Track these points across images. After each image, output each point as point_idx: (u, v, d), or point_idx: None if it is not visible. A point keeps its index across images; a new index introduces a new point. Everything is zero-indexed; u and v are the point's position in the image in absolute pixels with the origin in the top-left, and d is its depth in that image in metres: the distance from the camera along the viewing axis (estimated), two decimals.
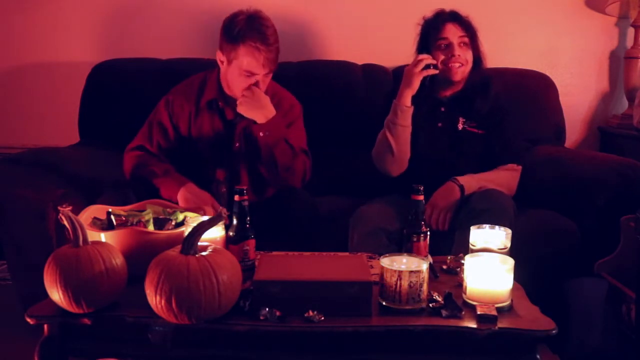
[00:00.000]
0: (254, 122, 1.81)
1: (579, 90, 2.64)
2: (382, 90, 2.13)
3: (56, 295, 1.19)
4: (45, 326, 1.24)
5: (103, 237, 1.37)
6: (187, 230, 1.29)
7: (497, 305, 1.21)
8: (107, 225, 1.46)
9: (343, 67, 2.41)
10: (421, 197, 1.43)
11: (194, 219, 1.45)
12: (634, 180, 1.84)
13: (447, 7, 1.91)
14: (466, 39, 1.86)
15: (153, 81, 2.26)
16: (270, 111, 1.81)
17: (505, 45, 2.56)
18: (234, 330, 1.18)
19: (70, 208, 1.27)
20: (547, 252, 1.79)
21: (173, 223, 1.49)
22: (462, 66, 1.86)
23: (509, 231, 1.43)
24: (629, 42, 2.58)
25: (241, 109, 1.80)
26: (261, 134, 1.80)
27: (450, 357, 1.22)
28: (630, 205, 1.67)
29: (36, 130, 2.67)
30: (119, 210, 1.50)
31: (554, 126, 2.38)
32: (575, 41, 2.60)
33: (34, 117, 2.68)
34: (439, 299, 1.26)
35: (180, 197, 1.75)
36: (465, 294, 1.27)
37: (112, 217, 1.46)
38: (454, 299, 1.23)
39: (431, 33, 1.88)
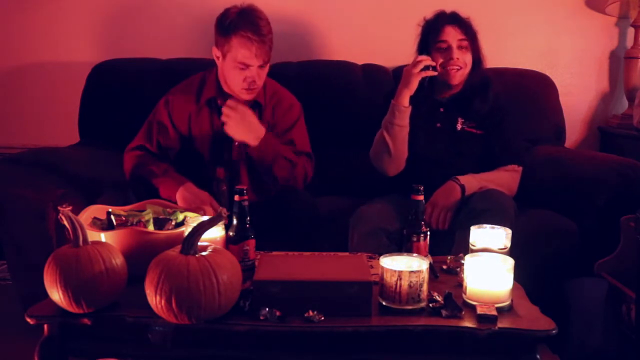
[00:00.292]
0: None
1: (579, 90, 2.64)
2: (382, 90, 2.13)
3: (56, 295, 1.19)
4: (45, 326, 1.24)
5: (103, 237, 1.37)
6: (187, 230, 1.29)
7: (497, 305, 1.21)
8: (107, 225, 1.46)
9: (343, 67, 2.41)
10: (421, 197, 1.43)
11: (194, 219, 1.45)
12: (634, 180, 1.84)
13: (448, 7, 1.91)
14: (465, 42, 1.85)
15: (153, 81, 2.26)
16: (260, 130, 1.80)
17: (505, 45, 2.56)
18: (234, 330, 1.18)
19: (70, 208, 1.27)
20: (547, 252, 1.79)
21: (173, 223, 1.49)
22: (460, 69, 1.86)
23: (509, 231, 1.43)
24: (629, 42, 2.58)
25: (229, 131, 1.78)
26: (257, 155, 1.81)
27: (450, 357, 1.22)
28: (630, 205, 1.67)
29: (36, 130, 2.67)
30: (119, 210, 1.50)
31: (554, 126, 2.38)
32: (575, 41, 2.60)
33: (34, 117, 2.68)
34: (439, 299, 1.26)
35: (179, 196, 1.75)
36: (465, 294, 1.27)
37: (112, 217, 1.46)
38: (454, 299, 1.23)
39: (431, 35, 1.88)
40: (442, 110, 1.93)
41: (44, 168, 1.89)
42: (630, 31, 2.56)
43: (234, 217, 1.34)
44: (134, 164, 1.88)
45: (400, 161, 1.88)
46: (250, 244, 1.35)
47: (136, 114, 2.03)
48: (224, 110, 1.77)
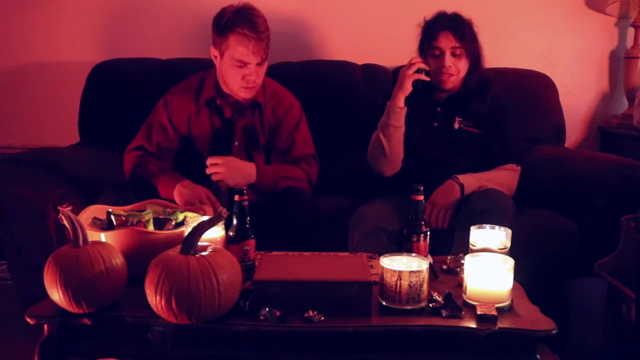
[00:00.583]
0: (251, 143, 1.86)
1: (579, 90, 2.64)
2: (382, 90, 2.13)
3: (56, 295, 1.19)
4: (45, 326, 1.24)
5: (103, 237, 1.37)
6: (187, 230, 1.29)
7: (497, 305, 1.21)
8: (107, 225, 1.46)
9: (343, 67, 2.41)
10: (421, 197, 1.43)
11: (194, 219, 1.45)
12: (634, 180, 1.84)
13: (447, 7, 1.91)
14: (459, 50, 1.84)
15: (153, 81, 2.26)
16: (250, 167, 1.82)
17: (505, 45, 2.56)
18: (234, 330, 1.18)
19: (70, 208, 1.27)
20: (547, 252, 1.79)
21: (173, 223, 1.48)
22: (452, 76, 1.85)
23: (509, 231, 1.43)
24: (629, 42, 2.58)
25: (229, 184, 1.77)
26: (259, 188, 1.83)
27: (450, 357, 1.22)
28: (630, 205, 1.67)
29: (36, 130, 2.67)
30: (119, 210, 1.50)
31: (554, 126, 2.38)
32: (575, 41, 2.60)
33: (34, 117, 2.68)
34: (439, 299, 1.26)
35: (176, 193, 1.76)
36: (465, 294, 1.27)
37: (112, 217, 1.46)
38: (454, 299, 1.23)
39: (426, 39, 1.88)
40: (439, 109, 1.93)
41: (44, 168, 1.89)
42: (630, 31, 2.56)
43: (234, 217, 1.34)
44: (133, 164, 1.88)
45: (396, 162, 1.88)
46: (250, 244, 1.35)
47: (136, 114, 2.03)
48: (211, 170, 1.75)
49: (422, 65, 1.81)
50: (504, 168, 1.88)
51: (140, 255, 1.26)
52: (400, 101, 1.82)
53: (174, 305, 1.13)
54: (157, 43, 2.57)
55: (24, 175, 1.84)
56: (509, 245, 1.41)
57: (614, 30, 2.61)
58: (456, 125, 1.91)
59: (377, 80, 2.36)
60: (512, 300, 1.25)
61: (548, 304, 1.29)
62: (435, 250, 1.49)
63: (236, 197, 1.34)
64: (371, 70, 2.41)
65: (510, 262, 1.26)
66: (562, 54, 2.61)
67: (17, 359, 1.71)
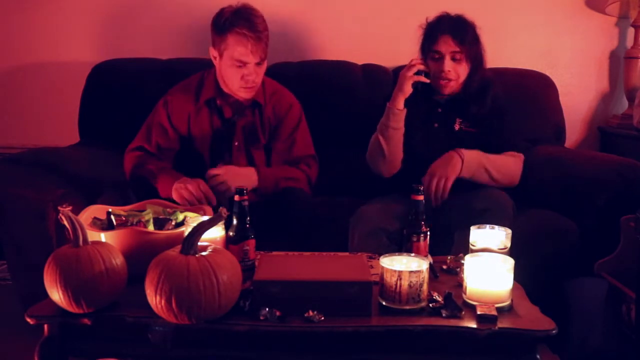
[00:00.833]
0: (251, 143, 1.88)
1: (579, 90, 2.63)
2: (382, 90, 2.13)
3: (56, 295, 1.19)
4: (45, 326, 1.24)
5: (103, 237, 1.37)
6: (187, 230, 1.29)
7: (497, 305, 1.21)
8: (107, 225, 1.46)
9: (343, 67, 2.41)
10: (421, 197, 1.43)
11: (194, 219, 1.45)
12: (634, 180, 1.84)
13: (447, 7, 1.90)
14: (459, 54, 1.82)
15: (153, 81, 2.26)
16: (251, 171, 1.83)
17: (505, 45, 2.56)
18: (234, 330, 1.18)
19: (70, 208, 1.27)
20: (547, 252, 1.79)
21: (173, 223, 1.48)
22: (451, 82, 1.85)
23: (509, 231, 1.43)
24: (629, 42, 2.57)
25: (232, 191, 1.79)
26: (261, 191, 1.83)
27: (450, 357, 1.22)
28: (630, 205, 1.67)
29: (36, 130, 2.66)
30: (119, 210, 1.50)
31: (554, 126, 2.38)
32: (575, 41, 2.60)
33: (34, 117, 2.68)
34: (439, 299, 1.26)
35: (173, 190, 1.76)
36: (465, 294, 1.27)
37: (112, 217, 1.46)
38: (454, 299, 1.23)
39: (426, 42, 1.87)
40: (439, 110, 1.93)
41: (44, 168, 1.89)
42: (630, 31, 2.56)
43: (234, 217, 1.34)
44: (133, 164, 1.89)
45: (395, 163, 1.88)
46: (250, 244, 1.35)
47: (136, 114, 2.03)
48: (214, 182, 1.75)
49: (422, 67, 1.81)
50: (509, 153, 1.87)
51: (140, 255, 1.26)
52: (400, 103, 1.82)
53: (174, 305, 1.13)
54: (157, 43, 2.57)
55: (24, 175, 1.84)
56: (509, 245, 1.42)
57: (614, 30, 2.61)
58: (456, 127, 1.91)
59: (377, 81, 2.36)
60: (512, 300, 1.25)
61: (548, 304, 1.29)
62: (435, 250, 1.49)
63: (236, 197, 1.34)
64: (371, 71, 2.41)
65: (510, 262, 1.26)
66: (562, 54, 2.61)
67: (17, 359, 1.71)
